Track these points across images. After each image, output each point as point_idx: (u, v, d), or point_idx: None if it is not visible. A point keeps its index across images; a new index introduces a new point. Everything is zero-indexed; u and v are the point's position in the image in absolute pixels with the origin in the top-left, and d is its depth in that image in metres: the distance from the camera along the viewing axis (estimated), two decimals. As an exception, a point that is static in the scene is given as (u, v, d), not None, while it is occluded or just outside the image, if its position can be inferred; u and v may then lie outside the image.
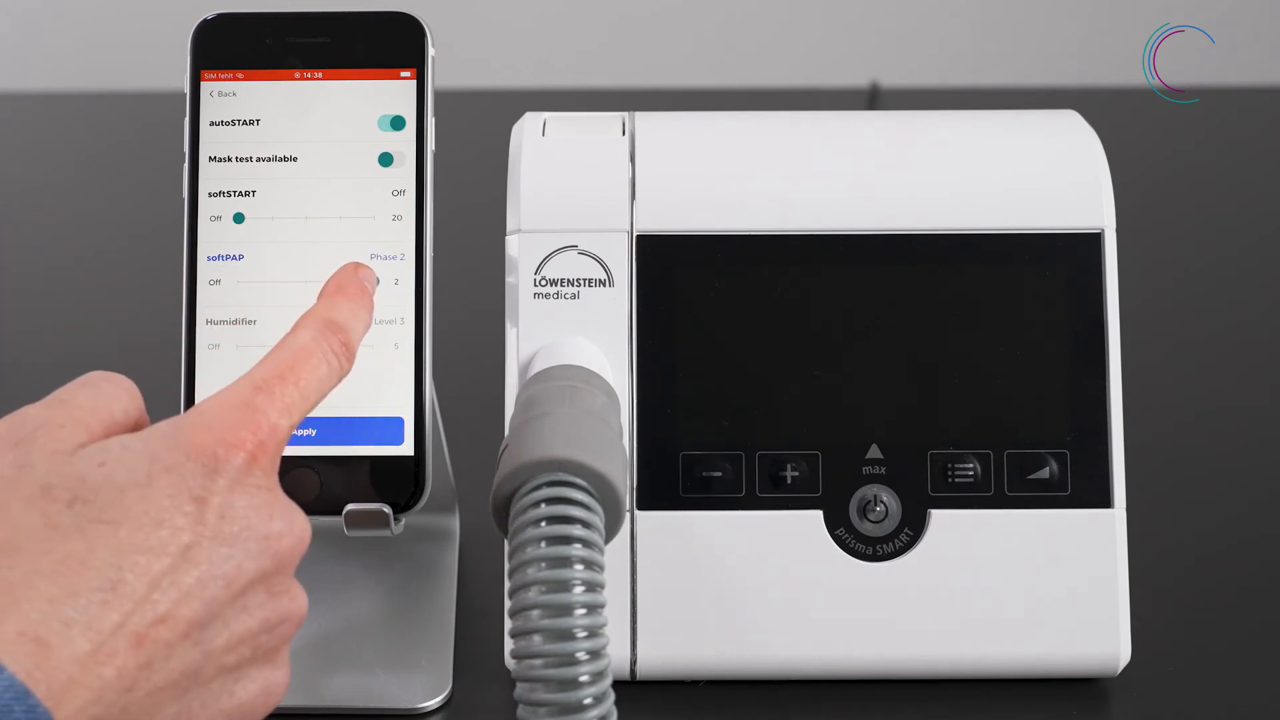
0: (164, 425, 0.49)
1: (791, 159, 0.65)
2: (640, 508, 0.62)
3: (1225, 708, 0.62)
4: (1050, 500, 0.62)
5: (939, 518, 0.62)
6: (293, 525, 0.50)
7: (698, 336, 0.63)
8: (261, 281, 0.60)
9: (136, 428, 0.51)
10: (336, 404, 0.59)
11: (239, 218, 0.61)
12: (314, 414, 0.59)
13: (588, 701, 0.50)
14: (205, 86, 0.61)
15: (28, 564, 0.45)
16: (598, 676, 0.50)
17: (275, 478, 0.50)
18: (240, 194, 0.61)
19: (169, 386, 0.59)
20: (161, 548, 0.47)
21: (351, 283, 0.56)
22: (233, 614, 0.49)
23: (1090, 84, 1.26)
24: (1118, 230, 0.64)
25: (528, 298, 0.63)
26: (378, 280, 0.59)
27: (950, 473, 0.62)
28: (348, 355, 0.54)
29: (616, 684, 0.51)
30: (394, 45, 0.61)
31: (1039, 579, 0.62)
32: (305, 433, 0.59)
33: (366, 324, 0.56)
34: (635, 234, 0.63)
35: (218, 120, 0.61)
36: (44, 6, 1.45)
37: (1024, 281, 0.63)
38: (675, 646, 0.62)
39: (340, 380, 0.54)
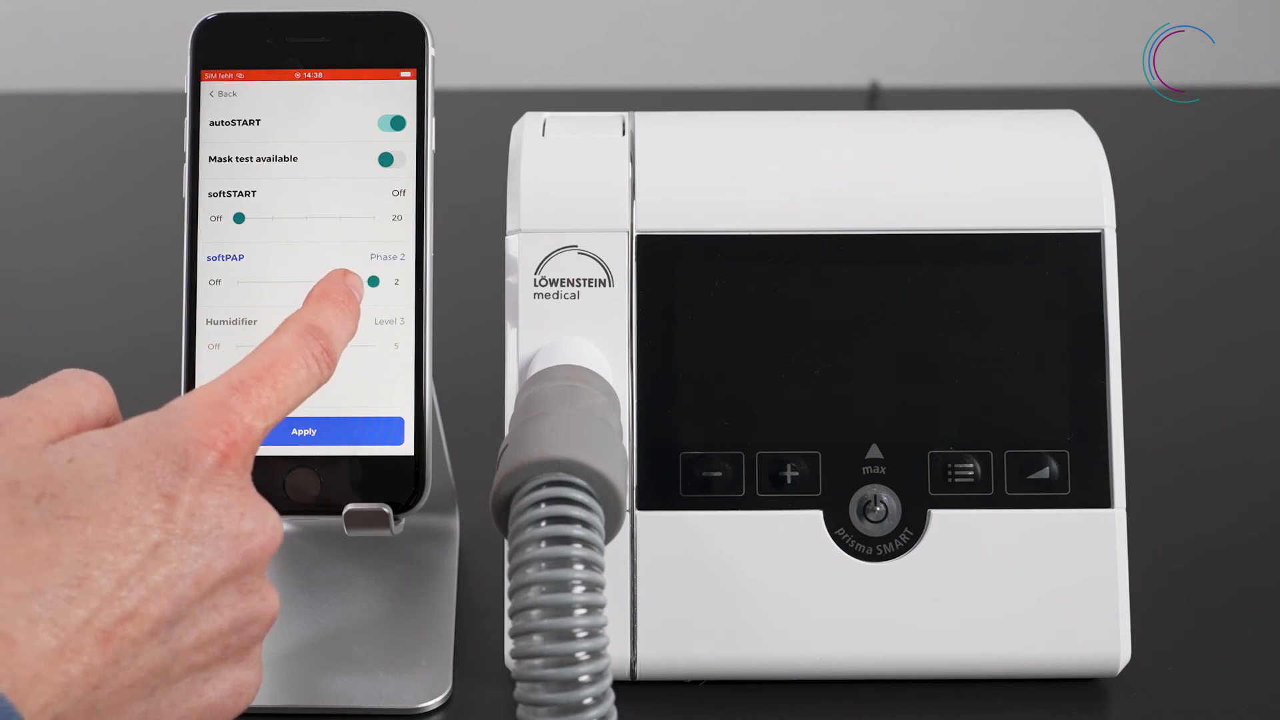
0: (135, 421, 0.49)
1: (791, 159, 0.65)
2: (640, 508, 0.62)
3: (1225, 708, 0.62)
4: (1050, 500, 0.62)
5: (939, 518, 0.62)
6: (264, 524, 0.50)
7: (698, 336, 0.63)
8: (261, 281, 0.60)
9: (108, 425, 0.51)
10: (336, 404, 0.59)
11: (239, 218, 0.61)
12: (313, 414, 0.59)
13: (588, 701, 0.50)
14: (205, 86, 0.61)
15: None
16: (598, 676, 0.50)
17: (248, 477, 0.50)
18: (240, 194, 0.61)
19: (169, 386, 0.59)
20: (130, 545, 0.46)
21: (338, 289, 0.56)
22: (202, 613, 0.48)
23: (1090, 84, 1.26)
24: (1118, 230, 0.64)
25: (528, 298, 0.63)
26: (378, 282, 0.59)
27: (950, 473, 0.62)
28: (329, 361, 0.53)
29: (616, 684, 0.51)
30: (394, 45, 0.61)
31: (1039, 579, 0.62)
32: (305, 433, 0.59)
33: (351, 331, 0.55)
34: (635, 234, 0.63)
35: (218, 120, 0.61)
36: (44, 6, 1.45)
37: (1024, 281, 0.63)
38: (675, 646, 0.62)
39: (319, 386, 0.53)
